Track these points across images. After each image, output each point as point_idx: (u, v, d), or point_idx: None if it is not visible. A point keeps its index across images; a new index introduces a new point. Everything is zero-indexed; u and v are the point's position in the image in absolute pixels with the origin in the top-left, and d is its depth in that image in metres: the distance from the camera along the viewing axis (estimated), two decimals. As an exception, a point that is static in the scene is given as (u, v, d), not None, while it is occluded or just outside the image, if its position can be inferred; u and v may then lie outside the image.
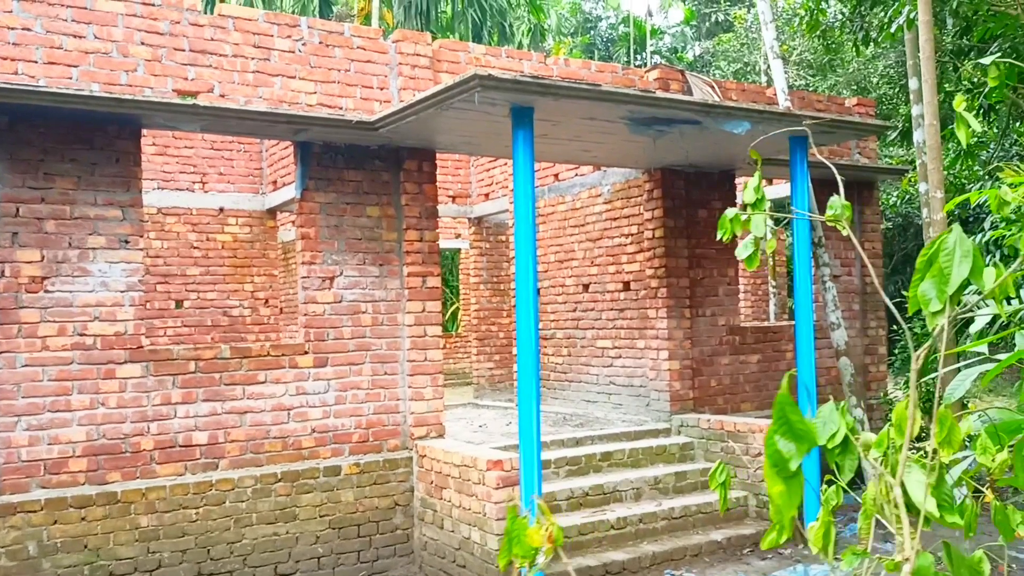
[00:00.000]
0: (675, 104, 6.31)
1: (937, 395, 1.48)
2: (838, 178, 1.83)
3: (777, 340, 9.83)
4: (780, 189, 11.80)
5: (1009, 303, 2.27)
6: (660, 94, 6.32)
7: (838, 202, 1.60)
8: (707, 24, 29.59)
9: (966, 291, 1.47)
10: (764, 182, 11.92)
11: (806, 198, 7.55)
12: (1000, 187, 1.78)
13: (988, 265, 1.47)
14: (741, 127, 6.77)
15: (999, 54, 9.10)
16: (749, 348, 9.50)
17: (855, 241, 1.67)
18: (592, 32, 31.21)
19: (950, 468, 1.83)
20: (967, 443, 1.91)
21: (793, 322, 10.36)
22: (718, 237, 1.78)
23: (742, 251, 1.85)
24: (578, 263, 10.06)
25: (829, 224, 1.91)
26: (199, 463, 6.53)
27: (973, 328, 2.37)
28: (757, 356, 9.58)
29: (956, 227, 1.42)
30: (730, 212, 1.79)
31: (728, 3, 28.76)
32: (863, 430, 8.60)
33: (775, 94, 9.44)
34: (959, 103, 1.65)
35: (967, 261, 1.38)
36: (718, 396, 9.20)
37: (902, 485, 1.37)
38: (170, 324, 10.50)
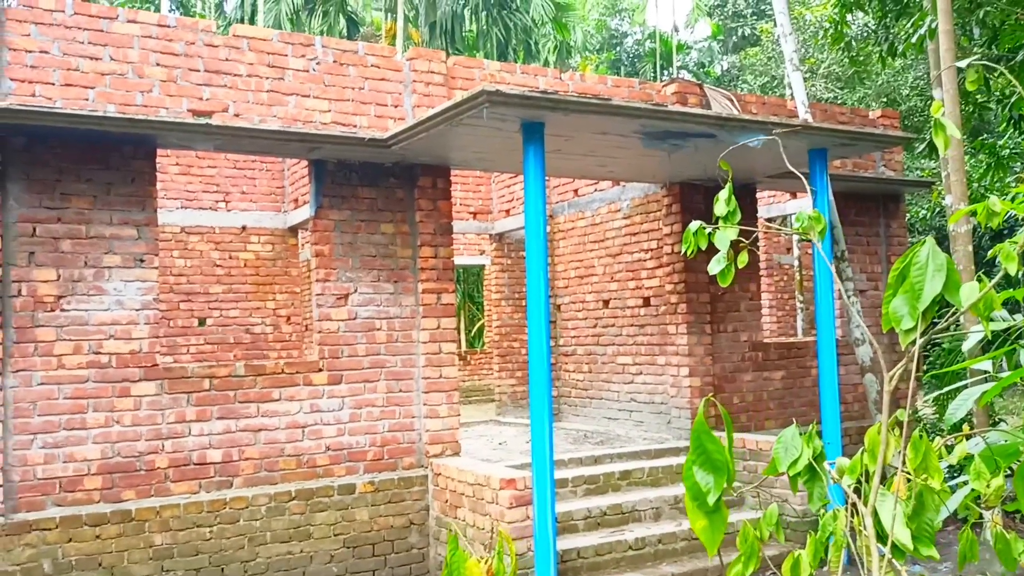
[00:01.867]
0: (688, 118, 6.24)
1: (906, 417, 1.39)
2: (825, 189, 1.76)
3: (802, 356, 9.65)
4: (802, 203, 11.63)
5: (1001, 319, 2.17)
6: (672, 107, 6.25)
7: (804, 215, 1.53)
8: (734, 38, 29.44)
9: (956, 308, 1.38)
10: (789, 196, 11.77)
11: (826, 212, 7.41)
12: (991, 197, 1.70)
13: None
14: (756, 140, 6.66)
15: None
16: (773, 364, 9.34)
17: (815, 248, 1.59)
18: (618, 48, 31.20)
19: (954, 493, 1.74)
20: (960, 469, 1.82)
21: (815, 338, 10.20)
22: (682, 252, 1.71)
23: (714, 266, 1.78)
24: (598, 279, 9.98)
25: (802, 238, 1.82)
26: (213, 481, 6.53)
27: (966, 346, 2.27)
28: (781, 372, 9.41)
29: (929, 239, 1.34)
30: (693, 225, 1.72)
31: (755, 17, 28.60)
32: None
33: (796, 107, 9.32)
34: (936, 109, 1.58)
35: (940, 275, 1.30)
36: (741, 414, 9.04)
37: (874, 514, 1.29)
38: (193, 342, 10.57)
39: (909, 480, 1.33)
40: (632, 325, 9.46)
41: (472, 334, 20.55)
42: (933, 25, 8.02)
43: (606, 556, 6.90)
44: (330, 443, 6.94)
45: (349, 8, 22.14)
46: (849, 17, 13.41)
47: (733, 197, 1.75)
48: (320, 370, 6.95)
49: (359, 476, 7.03)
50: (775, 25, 26.01)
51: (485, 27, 20.68)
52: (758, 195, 9.56)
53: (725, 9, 29.12)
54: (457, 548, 1.33)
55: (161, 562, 6.22)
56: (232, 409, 6.60)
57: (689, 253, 1.79)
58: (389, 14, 23.03)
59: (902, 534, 1.25)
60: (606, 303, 9.86)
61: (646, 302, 9.29)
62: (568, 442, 8.99)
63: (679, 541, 7.26)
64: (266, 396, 6.73)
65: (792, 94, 9.02)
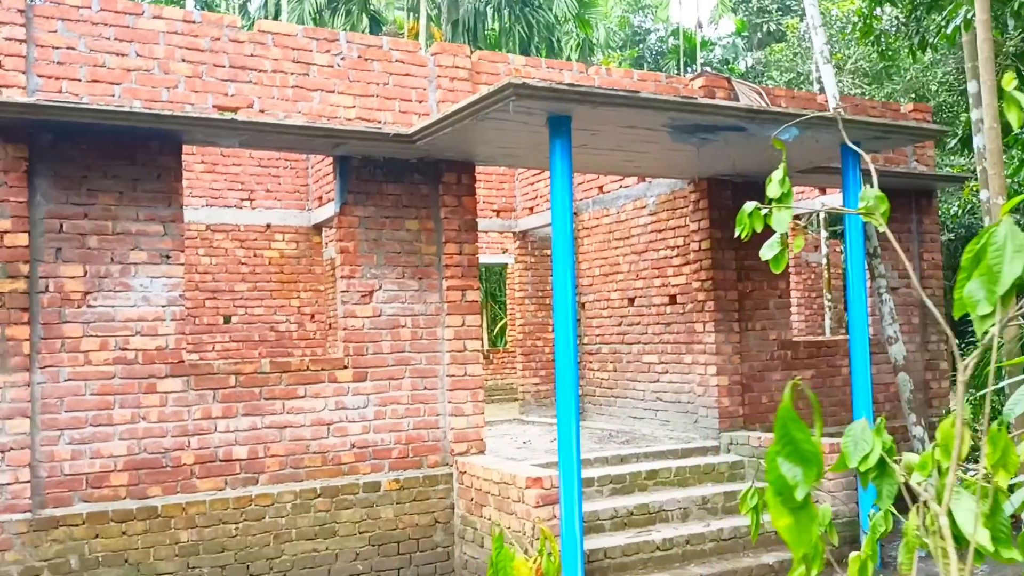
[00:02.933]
0: (718, 110, 6.13)
1: (986, 410, 1.30)
2: (866, 174, 1.67)
3: (832, 355, 9.49)
4: (831, 199, 11.46)
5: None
6: (702, 100, 6.14)
7: (871, 193, 1.43)
8: (759, 34, 29.14)
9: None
10: (818, 191, 11.59)
11: (858, 207, 7.25)
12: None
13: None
14: (789, 133, 6.54)
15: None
16: (802, 363, 9.18)
17: (892, 239, 1.50)
18: (641, 45, 31.01)
19: (1012, 492, 1.64)
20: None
21: (848, 336, 10.02)
22: (736, 234, 1.63)
23: (766, 251, 1.69)
24: (623, 276, 9.87)
25: (879, 229, 1.73)
26: (239, 478, 6.51)
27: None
28: (811, 371, 9.25)
29: (1007, 219, 1.25)
30: (748, 206, 1.63)
31: (780, 13, 28.30)
32: (922, 450, 8.20)
33: (826, 101, 9.16)
34: (1008, 81, 1.48)
35: (1020, 257, 1.21)
36: (769, 413, 8.89)
37: (949, 514, 1.20)
38: (218, 339, 10.59)
39: (985, 477, 1.24)
40: (658, 323, 9.35)
41: (494, 333, 20.49)
42: (969, 15, 7.84)
43: (633, 557, 6.80)
44: (355, 440, 6.90)
45: (372, 7, 22.16)
46: (878, 11, 13.20)
47: (787, 178, 1.66)
48: (345, 367, 6.91)
49: (384, 474, 6.98)
50: (801, 20, 25.74)
51: (508, 24, 20.61)
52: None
53: (750, 5, 28.83)
54: (503, 547, 1.26)
55: (187, 559, 6.20)
56: (258, 406, 6.58)
57: (744, 236, 1.69)
58: (411, 13, 23.03)
59: (982, 535, 1.16)
60: (631, 301, 9.75)
61: (672, 300, 9.17)
62: (593, 441, 8.90)
63: (707, 542, 7.15)
64: (292, 393, 6.70)
65: (821, 88, 8.88)
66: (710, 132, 6.59)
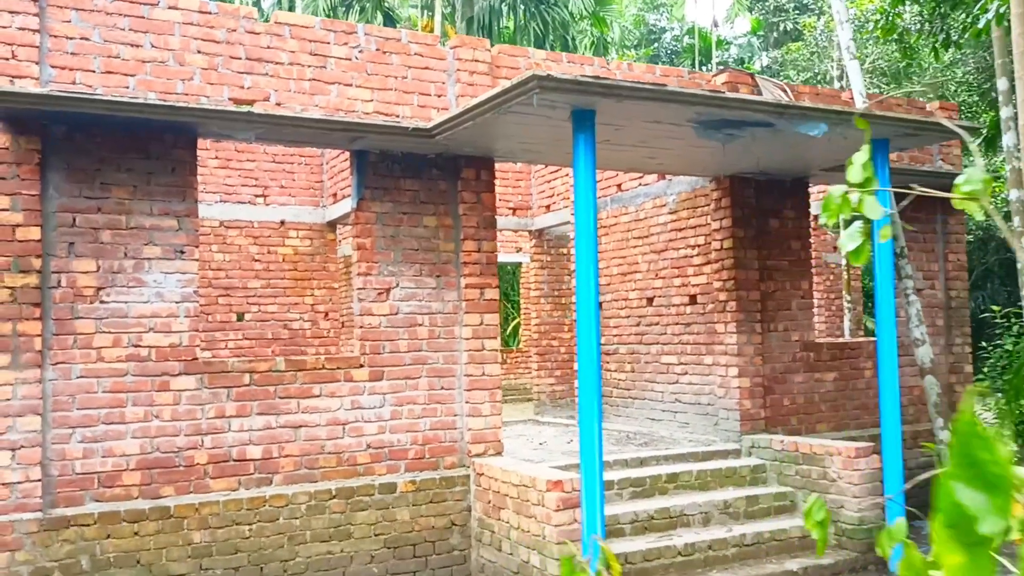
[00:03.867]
0: (746, 104, 5.96)
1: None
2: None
3: (855, 357, 9.30)
4: (853, 199, 11.25)
5: None
6: (730, 94, 5.98)
7: (977, 174, 1.28)
8: (775, 34, 28.89)
9: None
10: (838, 191, 11.39)
11: (887, 206, 7.08)
12: None
13: None
14: (818, 129, 6.37)
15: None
16: (825, 365, 9.00)
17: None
18: (656, 44, 30.80)
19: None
20: None
21: (872, 338, 9.83)
22: (822, 222, 1.48)
23: (847, 241, 1.53)
24: (642, 276, 9.71)
25: (957, 207, 1.57)
26: (253, 478, 6.39)
27: None
28: (833, 374, 9.07)
29: None
30: (836, 190, 1.48)
31: (797, 12, 28.04)
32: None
33: (851, 98, 8.98)
34: None
35: None
36: (791, 416, 8.72)
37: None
38: (231, 337, 10.49)
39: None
40: (677, 323, 9.18)
41: (507, 333, 20.34)
42: (1002, 10, 7.64)
43: (654, 562, 6.65)
44: (371, 441, 6.77)
45: (386, 4, 22.06)
46: (899, 7, 12.98)
47: (871, 162, 1.51)
48: (361, 366, 6.78)
49: (400, 475, 6.84)
50: (819, 18, 25.48)
51: (523, 22, 20.46)
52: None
53: (766, 3, 28.59)
54: (573, 572, 1.11)
55: (199, 560, 6.08)
56: (272, 405, 6.46)
57: (832, 223, 1.54)
58: (426, 11, 22.92)
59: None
60: (650, 301, 9.59)
61: (692, 300, 9.00)
62: (611, 443, 8.74)
63: (730, 548, 6.99)
64: (307, 392, 6.57)
65: (843, 85, 8.69)
66: (736, 128, 6.42)
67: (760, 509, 7.57)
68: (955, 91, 19.90)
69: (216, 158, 10.41)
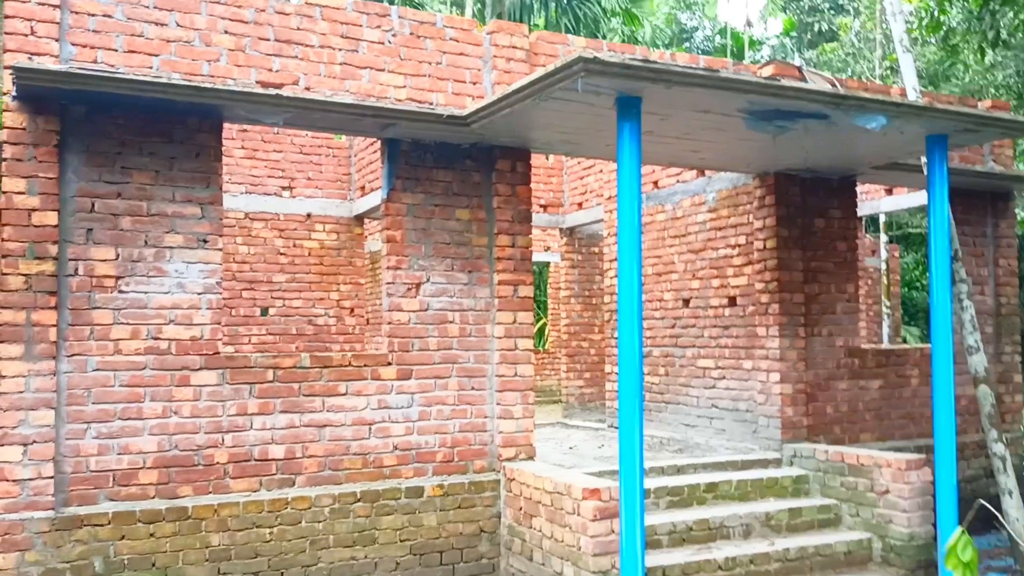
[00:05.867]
0: (802, 94, 5.60)
1: None
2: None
3: (900, 365, 8.89)
4: (899, 200, 10.86)
5: None
6: (786, 82, 5.62)
7: None
8: (809, 34, 28.34)
9: None
10: (884, 192, 10.97)
11: (946, 205, 6.68)
12: None
13: None
14: (876, 122, 5.99)
15: None
16: (870, 372, 8.60)
17: None
18: (687, 44, 30.36)
19: None
20: None
21: (919, 346, 9.41)
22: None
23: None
24: (678, 276, 9.35)
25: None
26: (275, 479, 6.11)
27: None
28: (879, 382, 8.66)
29: None
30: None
31: (832, 12, 27.50)
32: (1004, 469, 7.53)
33: (902, 93, 8.57)
34: None
35: None
36: (835, 424, 8.32)
37: None
38: (255, 332, 10.26)
39: None
40: (715, 326, 8.81)
41: (534, 333, 20.03)
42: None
43: (693, 576, 6.30)
44: (398, 442, 6.47)
45: (416, 2, 21.81)
46: (946, 3, 12.53)
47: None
48: (389, 364, 6.48)
49: (427, 478, 6.54)
50: (855, 18, 24.93)
51: (553, 18, 20.13)
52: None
53: (801, 4, 28.07)
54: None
55: (218, 564, 5.81)
56: (296, 403, 6.18)
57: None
58: (455, 7, 22.66)
59: None
60: (686, 302, 9.23)
61: (731, 302, 8.64)
62: (644, 449, 8.39)
63: (772, 562, 6.63)
64: (332, 390, 6.29)
65: (893, 80, 8.30)
66: (789, 119, 6.06)
67: (803, 522, 7.20)
68: (995, 94, 19.36)
69: (243, 148, 10.19)
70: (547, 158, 11.86)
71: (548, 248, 14.92)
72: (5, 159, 5.36)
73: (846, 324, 8.44)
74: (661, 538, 6.55)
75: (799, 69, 8.23)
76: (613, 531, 5.67)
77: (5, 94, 5.36)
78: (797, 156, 7.40)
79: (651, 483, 6.97)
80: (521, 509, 6.49)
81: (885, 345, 13.12)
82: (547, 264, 16.19)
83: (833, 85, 8.12)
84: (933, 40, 19.16)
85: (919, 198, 10.26)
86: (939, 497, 6.50)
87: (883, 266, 14.12)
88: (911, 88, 8.09)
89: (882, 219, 14.64)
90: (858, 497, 7.27)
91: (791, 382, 7.98)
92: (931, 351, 6.63)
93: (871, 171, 8.17)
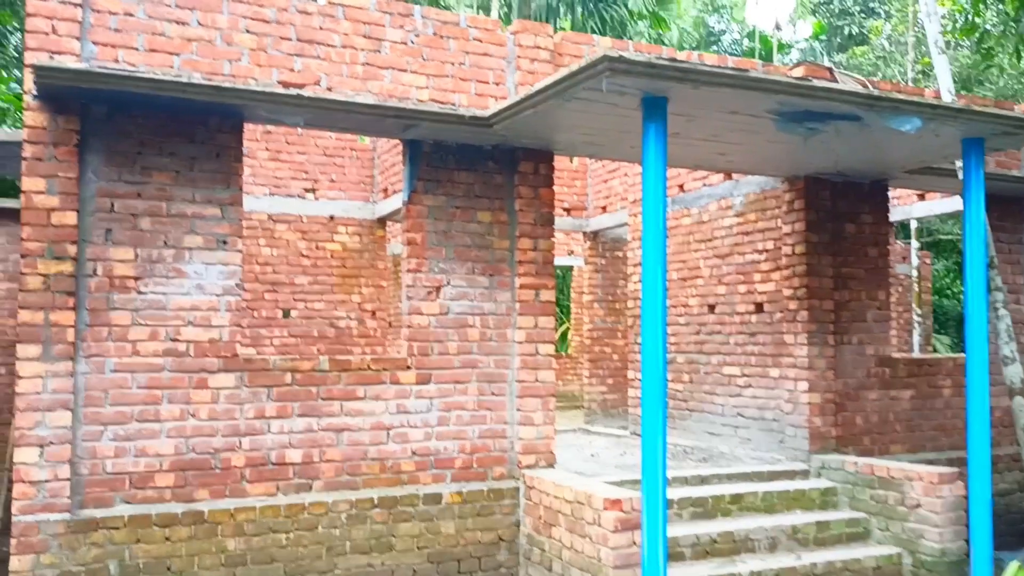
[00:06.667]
0: (834, 95, 5.44)
1: None
2: None
3: (933, 375, 8.66)
4: (932, 206, 10.63)
5: None
6: (817, 82, 5.46)
7: None
8: (839, 38, 27.98)
9: None
10: (916, 197, 10.73)
11: (982, 210, 6.48)
12: None
13: None
14: (910, 124, 5.81)
15: None
16: (901, 382, 8.38)
17: None
18: (715, 47, 30.10)
19: None
20: None
21: (952, 355, 9.18)
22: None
23: None
24: (703, 281, 9.18)
25: None
26: (292, 483, 6.04)
27: None
28: (910, 392, 8.44)
29: None
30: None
31: (863, 15, 27.13)
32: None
33: (936, 95, 8.36)
34: None
35: None
36: (864, 435, 8.12)
37: None
38: (277, 334, 10.23)
39: None
40: (741, 333, 8.64)
41: (556, 338, 19.89)
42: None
43: (717, 590, 6.14)
44: (416, 448, 6.38)
45: (441, 4, 21.80)
46: (981, 4, 12.25)
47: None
48: (408, 368, 6.40)
49: (446, 485, 6.44)
50: (885, 21, 24.57)
51: (580, 21, 20.02)
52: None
53: (831, 7, 27.72)
54: None
55: (233, 569, 5.75)
56: (315, 406, 6.10)
57: None
58: (481, 10, 22.61)
59: None
60: (712, 308, 9.06)
61: (759, 308, 8.46)
62: (667, 457, 8.23)
63: (799, 577, 6.45)
64: (351, 394, 6.21)
65: (925, 84, 8.10)
66: (820, 121, 5.90)
67: (831, 536, 7.01)
68: (1026, 100, 19.00)
69: (267, 150, 10.18)
70: (571, 160, 11.74)
71: (572, 252, 14.78)
72: (25, 158, 5.34)
73: (877, 332, 8.23)
74: (684, 550, 6.40)
75: (830, 70, 8.06)
76: (635, 543, 5.54)
77: (26, 93, 5.34)
78: (827, 159, 7.23)
79: (674, 493, 6.81)
80: (541, 518, 6.37)
81: (916, 354, 12.84)
82: (570, 268, 16.06)
83: (865, 87, 7.94)
84: (966, 44, 18.83)
85: (952, 204, 10.02)
86: (972, 512, 6.29)
87: (914, 273, 13.84)
88: (946, 90, 7.88)
89: (913, 225, 14.36)
90: (888, 511, 7.07)
91: (819, 391, 7.79)
92: (965, 361, 6.43)
93: (903, 175, 7.97)
